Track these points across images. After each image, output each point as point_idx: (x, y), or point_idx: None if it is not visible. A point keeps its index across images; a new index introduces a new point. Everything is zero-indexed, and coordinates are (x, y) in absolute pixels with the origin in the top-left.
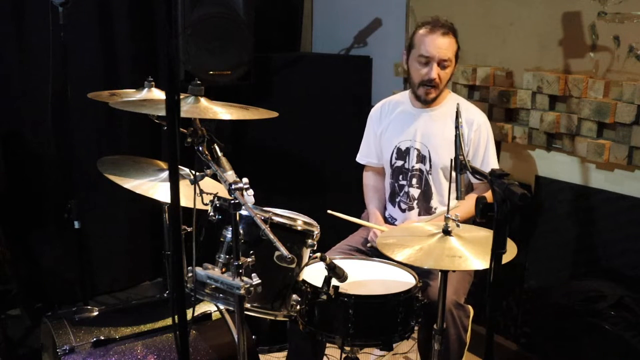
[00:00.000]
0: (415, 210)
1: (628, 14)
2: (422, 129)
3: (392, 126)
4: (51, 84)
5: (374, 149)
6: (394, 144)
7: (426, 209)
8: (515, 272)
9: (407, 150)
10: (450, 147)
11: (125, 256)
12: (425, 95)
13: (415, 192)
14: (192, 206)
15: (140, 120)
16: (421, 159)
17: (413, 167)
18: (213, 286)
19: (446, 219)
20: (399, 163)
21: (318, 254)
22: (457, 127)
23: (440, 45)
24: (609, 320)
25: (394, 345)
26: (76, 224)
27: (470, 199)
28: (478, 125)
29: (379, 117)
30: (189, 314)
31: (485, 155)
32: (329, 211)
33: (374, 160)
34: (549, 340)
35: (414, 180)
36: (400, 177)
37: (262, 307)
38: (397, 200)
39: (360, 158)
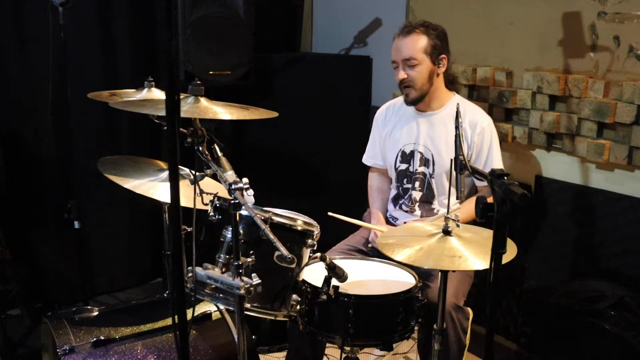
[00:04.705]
0: (417, 212)
1: (628, 14)
2: (425, 132)
3: (397, 129)
4: (51, 83)
5: (379, 150)
6: (398, 147)
7: (428, 212)
8: (515, 272)
9: (412, 153)
10: (453, 149)
11: (125, 256)
12: (405, 96)
13: (417, 195)
14: (192, 206)
15: (140, 120)
16: (424, 162)
17: (417, 170)
18: (213, 286)
19: (446, 219)
20: (403, 166)
21: (318, 254)
22: (457, 127)
23: (399, 47)
24: (609, 320)
25: (394, 345)
26: (76, 224)
27: (471, 203)
28: (482, 128)
29: (383, 119)
30: (189, 314)
31: (488, 159)
32: (329, 213)
33: (379, 162)
34: (549, 340)
35: (417, 184)
36: (405, 180)
37: (262, 307)
38: (400, 202)
39: (366, 159)
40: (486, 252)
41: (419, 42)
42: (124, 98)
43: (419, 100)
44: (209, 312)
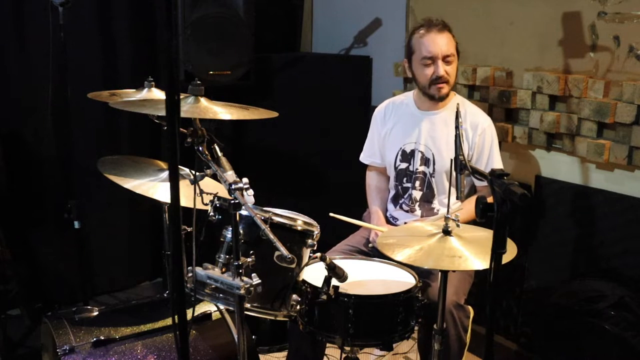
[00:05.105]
0: (418, 212)
1: (628, 14)
2: (426, 131)
3: (397, 128)
4: (51, 83)
5: (377, 149)
6: (398, 146)
7: (428, 211)
8: (516, 272)
9: (412, 152)
10: (454, 148)
11: (125, 256)
12: (438, 91)
13: (417, 194)
14: (192, 206)
15: (140, 120)
16: (425, 161)
17: (417, 169)
18: (213, 286)
19: (446, 219)
20: (403, 165)
21: (318, 254)
22: (457, 127)
23: (440, 41)
24: (609, 320)
25: (394, 345)
26: (76, 224)
27: (471, 203)
28: (482, 130)
29: (383, 117)
30: (189, 314)
31: (489, 160)
32: (330, 214)
33: (377, 160)
34: (549, 340)
35: (417, 183)
36: (405, 179)
37: (262, 307)
38: (400, 202)
39: (363, 158)
40: (486, 252)
41: (452, 39)
42: (124, 98)
43: (447, 97)
44: (209, 312)
